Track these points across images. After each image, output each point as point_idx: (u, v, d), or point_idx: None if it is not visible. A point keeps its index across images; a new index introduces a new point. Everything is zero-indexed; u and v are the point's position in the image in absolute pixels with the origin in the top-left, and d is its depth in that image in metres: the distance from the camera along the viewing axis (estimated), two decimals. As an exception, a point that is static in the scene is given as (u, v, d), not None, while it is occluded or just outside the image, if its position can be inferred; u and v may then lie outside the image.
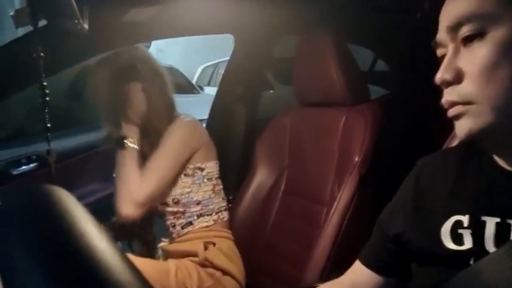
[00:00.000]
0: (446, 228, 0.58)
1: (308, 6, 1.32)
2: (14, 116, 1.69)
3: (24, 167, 1.49)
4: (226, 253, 1.25)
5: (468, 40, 0.53)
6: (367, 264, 0.71)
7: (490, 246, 0.54)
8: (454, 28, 0.54)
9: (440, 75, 0.54)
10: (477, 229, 0.55)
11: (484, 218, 0.55)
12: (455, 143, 0.81)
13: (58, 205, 0.28)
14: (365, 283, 0.71)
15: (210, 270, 1.21)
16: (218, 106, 1.59)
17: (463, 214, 0.57)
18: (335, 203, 1.13)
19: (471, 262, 0.55)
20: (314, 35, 1.25)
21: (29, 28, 0.76)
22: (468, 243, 0.56)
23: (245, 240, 1.34)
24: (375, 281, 0.70)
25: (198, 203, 1.26)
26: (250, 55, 1.54)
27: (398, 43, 1.58)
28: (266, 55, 1.58)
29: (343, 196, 1.12)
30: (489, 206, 0.55)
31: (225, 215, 1.32)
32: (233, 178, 1.56)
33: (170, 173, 1.21)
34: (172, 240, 1.30)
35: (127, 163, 1.19)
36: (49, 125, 0.78)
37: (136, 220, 1.21)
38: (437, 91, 0.58)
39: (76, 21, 0.65)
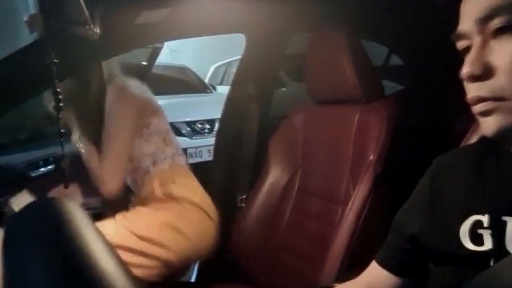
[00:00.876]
0: (465, 228, 0.56)
1: (319, 2, 1.30)
2: (32, 119, 1.73)
3: (42, 169, 1.53)
4: (185, 185, 1.29)
5: (499, 32, 0.50)
6: (383, 264, 0.70)
7: (511, 246, 0.53)
8: (484, 20, 0.51)
9: (468, 69, 0.51)
10: (498, 229, 0.54)
11: (504, 218, 0.54)
12: (473, 140, 0.79)
13: (63, 218, 0.29)
14: (381, 283, 0.70)
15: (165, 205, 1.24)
16: (231, 105, 1.59)
17: (483, 214, 0.56)
18: (350, 202, 1.11)
19: (491, 263, 0.53)
20: (326, 32, 1.24)
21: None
22: (488, 244, 0.54)
23: (258, 239, 1.34)
24: (392, 281, 0.69)
25: (151, 154, 1.29)
26: (262, 53, 1.53)
27: (413, 37, 1.55)
28: (278, 52, 1.58)
29: (358, 195, 1.10)
30: (510, 206, 0.54)
31: (180, 159, 1.34)
32: (246, 177, 1.55)
33: (124, 143, 1.25)
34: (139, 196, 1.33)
35: (87, 159, 1.25)
36: (62, 130, 0.79)
37: (119, 194, 1.26)
38: (454, 86, 0.56)
39: (87, 26, 0.66)
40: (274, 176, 1.37)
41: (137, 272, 1.10)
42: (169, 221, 1.22)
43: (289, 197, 1.35)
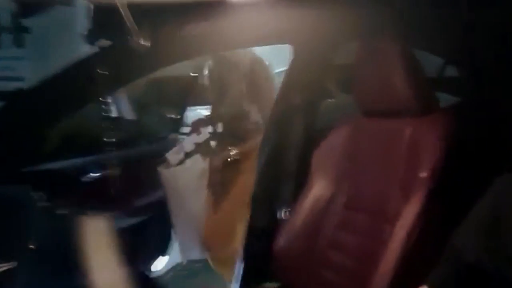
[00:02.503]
0: None
1: (369, 10, 1.26)
2: (87, 127, 1.82)
3: (92, 174, 1.59)
4: None
5: None
6: None
7: None
8: None
9: None
10: None
11: None
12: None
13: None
14: None
15: None
16: (275, 116, 1.58)
17: None
18: (400, 220, 1.05)
19: None
20: (376, 41, 1.19)
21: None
22: None
23: (302, 252, 1.31)
24: None
25: None
26: (308, 63, 1.51)
27: (471, 45, 1.46)
28: (325, 63, 1.55)
29: (410, 212, 1.04)
30: None
31: None
32: (289, 189, 1.53)
33: None
34: None
35: None
36: (114, 139, 0.81)
37: None
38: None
39: (136, 39, 0.68)
40: (319, 189, 1.33)
41: None
42: None
43: (334, 212, 1.30)
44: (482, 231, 0.58)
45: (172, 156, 2.04)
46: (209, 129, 2.02)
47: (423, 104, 1.13)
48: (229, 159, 1.86)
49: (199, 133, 2.02)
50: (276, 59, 2.02)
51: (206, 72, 2.00)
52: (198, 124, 2.06)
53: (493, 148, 1.11)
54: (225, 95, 1.88)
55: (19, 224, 0.64)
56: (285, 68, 1.61)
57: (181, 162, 2.04)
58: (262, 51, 1.92)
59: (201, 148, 2.03)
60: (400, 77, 1.12)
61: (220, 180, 1.91)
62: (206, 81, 2.03)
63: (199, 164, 2.03)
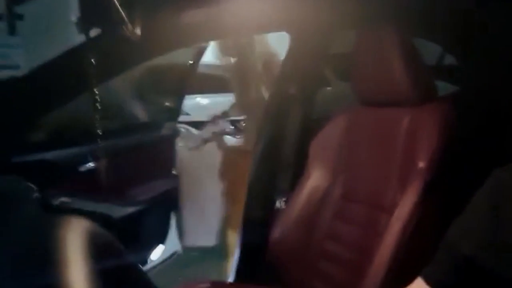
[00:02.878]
0: None
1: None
2: (82, 116, 1.79)
3: (89, 164, 1.58)
4: None
5: None
6: (431, 283, 0.64)
7: None
8: None
9: None
10: None
11: None
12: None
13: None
14: None
15: None
16: (272, 106, 1.57)
17: None
18: (397, 211, 1.05)
19: None
20: (374, 29, 1.17)
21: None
22: None
23: (297, 243, 1.31)
24: None
25: None
26: (306, 52, 1.49)
27: (470, 33, 1.43)
28: (322, 51, 1.53)
29: (406, 203, 1.03)
30: None
31: None
32: (287, 180, 1.52)
33: None
34: None
35: None
36: (100, 131, 0.80)
37: None
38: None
39: (126, 27, 0.66)
40: (316, 179, 1.32)
41: None
42: None
43: (331, 202, 1.30)
44: (478, 226, 0.57)
45: (190, 140, 2.18)
46: (227, 123, 2.12)
47: (421, 93, 1.12)
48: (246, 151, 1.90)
49: (217, 123, 2.13)
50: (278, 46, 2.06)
51: (229, 63, 2.05)
52: (218, 117, 2.16)
53: (493, 138, 1.11)
54: (249, 87, 1.99)
55: (4, 217, 0.62)
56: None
57: (199, 146, 2.18)
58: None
59: (218, 138, 2.14)
60: (399, 66, 1.10)
61: (237, 172, 1.98)
62: (229, 73, 2.12)
63: (215, 152, 2.13)
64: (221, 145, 2.15)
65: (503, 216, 0.55)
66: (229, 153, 2.11)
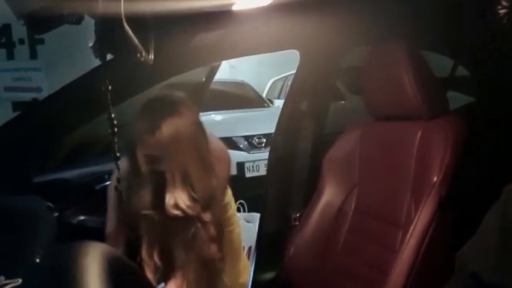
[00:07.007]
0: None
1: (377, 14, 1.25)
2: (102, 135, 1.84)
3: (106, 182, 1.62)
4: None
5: None
6: None
7: None
8: None
9: None
10: None
11: None
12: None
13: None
14: None
15: None
16: (284, 121, 1.57)
17: None
18: (412, 226, 1.03)
19: None
20: (384, 44, 1.18)
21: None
22: None
23: (312, 259, 1.29)
24: None
25: None
26: (316, 68, 1.50)
27: (482, 44, 1.43)
28: (333, 67, 1.54)
29: (421, 219, 1.02)
30: None
31: None
32: (300, 195, 1.52)
33: None
34: None
35: None
36: (118, 154, 0.82)
37: None
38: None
39: (140, 54, 0.68)
40: (329, 194, 1.32)
41: None
42: None
43: (345, 217, 1.29)
44: (491, 244, 0.56)
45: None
46: None
47: (433, 107, 1.11)
48: None
49: None
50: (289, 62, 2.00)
51: None
52: None
53: (505, 152, 1.09)
54: None
55: (25, 238, 0.64)
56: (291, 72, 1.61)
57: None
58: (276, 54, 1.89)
59: None
60: (409, 81, 1.10)
61: None
62: None
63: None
64: None
65: (508, 227, 0.54)
66: None
